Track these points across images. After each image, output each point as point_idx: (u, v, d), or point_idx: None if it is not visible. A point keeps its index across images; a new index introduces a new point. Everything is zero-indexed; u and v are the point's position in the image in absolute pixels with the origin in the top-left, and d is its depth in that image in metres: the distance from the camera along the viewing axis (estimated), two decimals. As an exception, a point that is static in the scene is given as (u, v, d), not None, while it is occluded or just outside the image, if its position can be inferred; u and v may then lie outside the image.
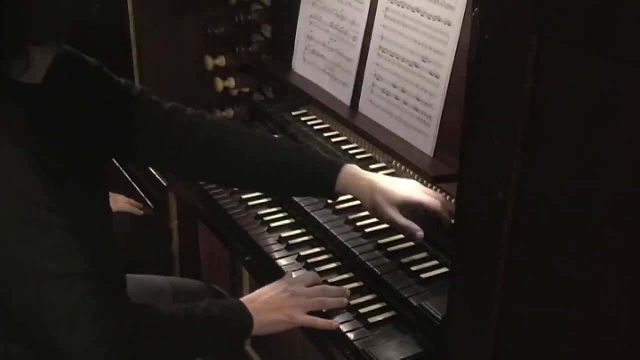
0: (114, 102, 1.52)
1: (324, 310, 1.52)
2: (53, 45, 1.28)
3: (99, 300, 1.23)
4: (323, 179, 1.57)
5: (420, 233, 1.54)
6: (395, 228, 1.59)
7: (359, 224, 1.73)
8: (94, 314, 1.21)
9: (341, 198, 1.79)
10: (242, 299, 1.51)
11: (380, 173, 1.83)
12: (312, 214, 1.78)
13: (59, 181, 1.22)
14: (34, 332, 1.22)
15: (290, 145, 1.63)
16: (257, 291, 1.55)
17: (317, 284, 1.57)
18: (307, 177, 1.58)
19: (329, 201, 1.79)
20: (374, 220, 1.72)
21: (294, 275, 1.62)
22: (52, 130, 1.28)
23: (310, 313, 1.51)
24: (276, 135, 1.99)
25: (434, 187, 1.73)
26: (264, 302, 1.50)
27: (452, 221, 1.58)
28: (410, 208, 1.58)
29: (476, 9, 0.99)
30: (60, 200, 1.20)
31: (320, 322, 1.48)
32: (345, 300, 1.53)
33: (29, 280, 1.18)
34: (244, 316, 1.45)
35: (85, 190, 1.35)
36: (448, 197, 1.70)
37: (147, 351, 1.32)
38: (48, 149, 1.22)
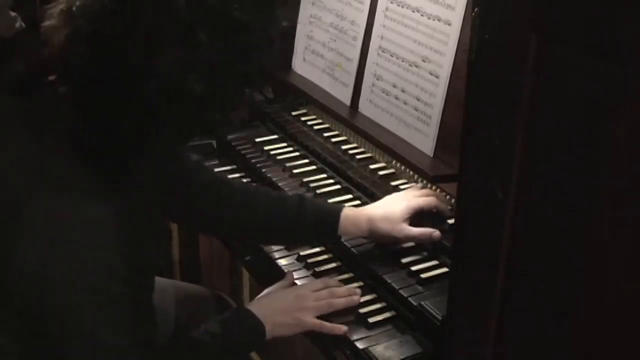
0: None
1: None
2: None
3: None
4: (324, 229, 1.63)
5: (436, 233, 1.59)
6: (412, 241, 1.62)
7: (359, 224, 1.73)
8: None
9: (341, 198, 1.81)
10: (250, 305, 1.52)
11: (380, 173, 1.84)
12: (312, 214, 1.78)
13: (134, 238, 1.22)
14: None
15: (290, 199, 1.66)
16: (263, 295, 1.56)
17: (329, 286, 1.57)
18: (309, 230, 1.64)
19: (329, 201, 1.79)
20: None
21: (294, 275, 1.62)
22: (129, 181, 1.26)
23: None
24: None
25: (433, 187, 1.73)
26: (271, 307, 1.50)
27: (452, 217, 1.62)
28: (412, 215, 1.62)
29: (476, 9, 0.99)
30: (133, 260, 1.20)
31: (328, 326, 1.48)
32: (356, 298, 1.54)
33: (92, 353, 1.19)
34: (255, 325, 1.46)
35: (152, 238, 1.36)
36: (448, 197, 1.70)
37: None
38: (129, 204, 1.22)
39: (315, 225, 1.62)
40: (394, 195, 1.69)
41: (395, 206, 1.61)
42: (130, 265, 1.19)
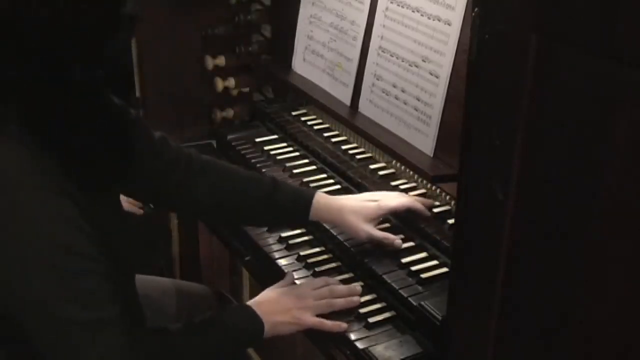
0: (113, 120, 1.50)
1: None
2: None
3: (127, 346, 1.23)
4: (297, 212, 1.62)
5: (398, 241, 1.62)
6: (374, 242, 1.63)
7: (359, 224, 1.73)
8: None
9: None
10: (250, 302, 1.51)
11: (380, 173, 1.84)
12: (312, 214, 1.78)
13: (82, 204, 1.21)
14: None
15: (263, 180, 1.66)
16: (264, 294, 1.55)
17: (329, 284, 1.56)
18: (282, 212, 1.63)
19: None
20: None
21: (294, 275, 1.62)
22: (75, 158, 1.26)
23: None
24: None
25: (433, 187, 1.73)
26: (271, 305, 1.50)
27: (429, 213, 1.67)
28: (383, 217, 1.65)
29: (476, 9, 0.99)
30: (91, 233, 1.20)
31: (328, 324, 1.48)
32: (356, 298, 1.53)
33: (59, 329, 1.19)
34: (254, 320, 1.46)
35: (104, 203, 1.34)
36: (448, 197, 1.70)
37: None
38: (73, 179, 1.21)
39: (288, 207, 1.62)
40: (371, 194, 1.71)
41: (368, 204, 1.63)
42: (89, 241, 1.18)
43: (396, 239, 1.61)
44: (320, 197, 1.62)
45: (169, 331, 1.39)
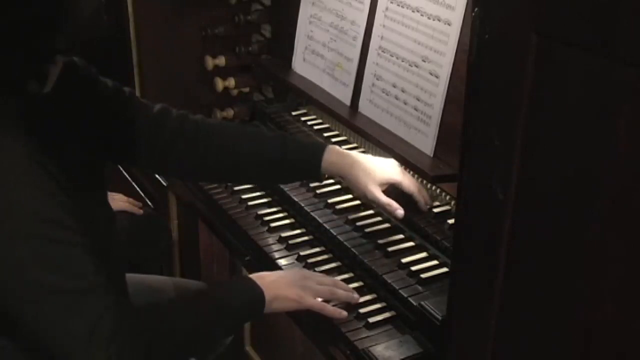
0: (104, 105, 1.51)
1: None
2: (69, 53, 1.30)
3: (115, 314, 1.22)
4: (308, 164, 1.63)
5: (400, 211, 1.62)
6: (376, 205, 1.66)
7: (359, 224, 1.73)
8: (110, 331, 1.20)
9: (341, 198, 1.80)
10: (252, 275, 1.50)
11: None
12: (312, 214, 1.78)
13: (67, 190, 1.22)
14: (50, 348, 1.22)
15: (272, 135, 1.67)
16: (268, 272, 1.54)
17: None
18: (293, 165, 1.63)
19: (329, 201, 1.79)
20: (375, 220, 1.73)
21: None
22: (57, 138, 1.28)
23: None
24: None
25: (433, 187, 1.73)
26: (275, 279, 1.49)
27: (428, 207, 1.69)
28: (389, 186, 1.66)
29: (476, 9, 0.99)
30: (73, 210, 1.21)
31: (329, 308, 1.48)
32: (356, 296, 1.54)
33: (44, 298, 1.18)
34: (254, 290, 1.44)
35: (90, 196, 1.35)
36: (448, 198, 1.70)
37: (164, 353, 1.33)
38: (56, 159, 1.22)
39: (297, 163, 1.63)
40: (386, 160, 1.71)
41: (381, 168, 1.65)
42: (65, 211, 1.19)
43: (399, 209, 1.61)
44: (332, 150, 1.63)
45: (162, 303, 1.38)
